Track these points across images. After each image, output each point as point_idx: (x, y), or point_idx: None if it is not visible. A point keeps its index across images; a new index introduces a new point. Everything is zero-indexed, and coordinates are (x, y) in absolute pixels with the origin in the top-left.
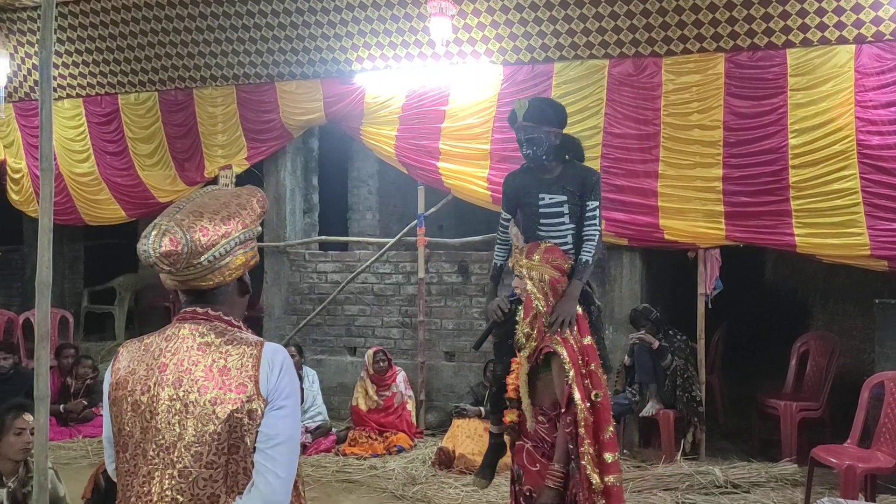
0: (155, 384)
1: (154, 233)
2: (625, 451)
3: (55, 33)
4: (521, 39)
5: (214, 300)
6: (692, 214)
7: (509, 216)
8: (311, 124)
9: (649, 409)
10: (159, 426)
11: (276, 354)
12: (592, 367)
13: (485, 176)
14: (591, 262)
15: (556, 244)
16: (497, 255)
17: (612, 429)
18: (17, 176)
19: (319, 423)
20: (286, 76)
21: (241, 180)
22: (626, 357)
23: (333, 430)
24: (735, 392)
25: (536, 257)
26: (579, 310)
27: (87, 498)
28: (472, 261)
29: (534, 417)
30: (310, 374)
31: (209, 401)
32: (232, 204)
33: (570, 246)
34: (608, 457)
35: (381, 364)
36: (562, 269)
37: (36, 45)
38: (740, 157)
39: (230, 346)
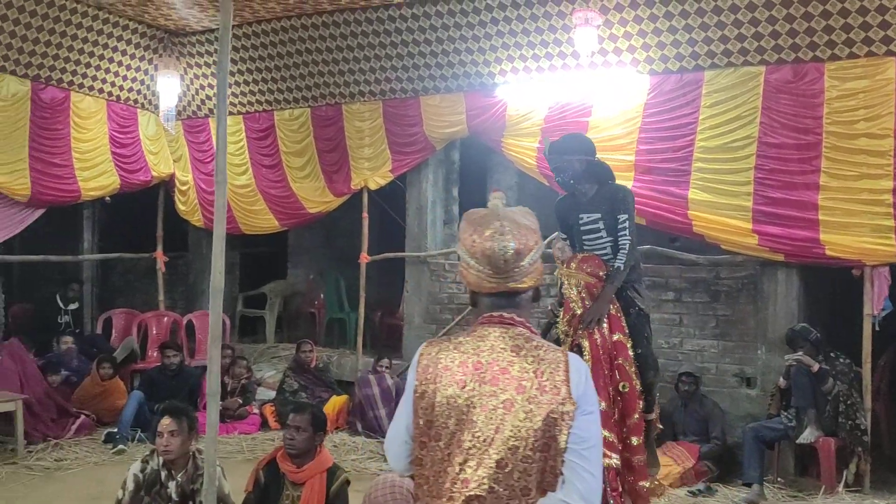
0: (472, 380)
1: (495, 232)
2: (779, 478)
3: (216, 54)
4: (669, 48)
5: (517, 305)
6: (858, 229)
7: (565, 235)
8: (453, 137)
9: (808, 435)
10: (475, 419)
11: (580, 363)
12: (620, 361)
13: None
14: (623, 268)
15: (597, 255)
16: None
17: (637, 416)
18: (184, 188)
19: None
20: (430, 90)
21: (383, 192)
22: (781, 379)
23: None
24: None
25: (573, 266)
26: (612, 310)
27: (249, 492)
28: None
29: None
30: None
31: (526, 399)
32: (528, 216)
33: (610, 255)
34: (634, 440)
35: None
36: (598, 276)
37: (203, 67)
38: None
39: (540, 351)
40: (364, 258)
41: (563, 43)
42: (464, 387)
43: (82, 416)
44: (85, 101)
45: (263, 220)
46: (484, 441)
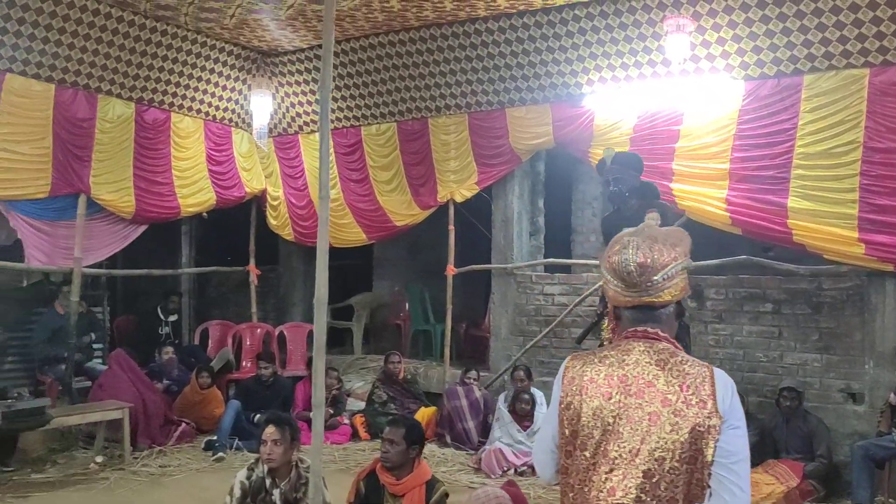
0: (617, 393)
1: (621, 247)
2: (890, 499)
3: (308, 73)
4: (765, 52)
5: (657, 320)
6: None
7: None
8: (539, 148)
9: None
10: (621, 430)
11: (726, 378)
12: None
13: (723, 197)
14: None
15: None
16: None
17: None
18: (275, 203)
19: None
20: (516, 102)
21: (468, 204)
22: (891, 395)
23: None
24: None
25: None
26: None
27: (350, 502)
28: (707, 285)
29: None
30: (538, 396)
31: (672, 412)
32: (673, 235)
33: None
34: None
35: None
36: None
37: (294, 86)
38: None
39: (685, 366)
40: (451, 270)
41: (652, 51)
42: (609, 399)
43: (183, 424)
44: (184, 121)
45: (351, 234)
46: (630, 452)
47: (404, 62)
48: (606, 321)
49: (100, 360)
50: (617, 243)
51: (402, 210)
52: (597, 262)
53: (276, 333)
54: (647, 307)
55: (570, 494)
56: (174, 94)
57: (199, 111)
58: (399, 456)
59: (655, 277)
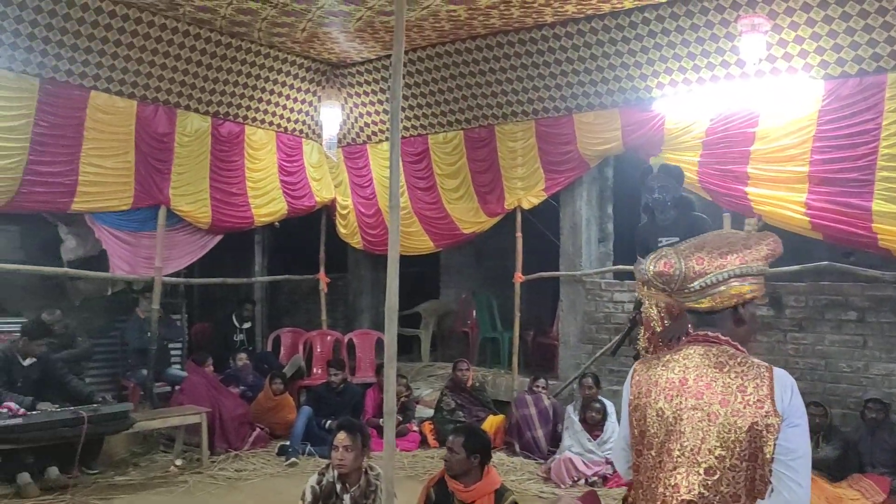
0: (678, 395)
1: (654, 256)
2: None
3: (376, 83)
4: (846, 51)
5: (714, 324)
6: None
7: (642, 258)
8: (607, 154)
9: None
10: (683, 430)
11: (786, 378)
12: None
13: (802, 201)
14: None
15: None
16: (637, 291)
17: None
18: (344, 212)
19: None
20: (584, 107)
21: (535, 211)
22: None
23: None
24: None
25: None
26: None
27: None
28: (786, 292)
29: None
30: (609, 407)
31: (730, 412)
32: (737, 243)
33: None
34: None
35: None
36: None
37: (362, 96)
38: None
39: (744, 368)
40: (519, 278)
41: (726, 51)
42: (671, 400)
43: (258, 429)
44: (257, 133)
45: (419, 242)
46: (691, 451)
47: (471, 70)
48: (642, 330)
49: (179, 366)
50: (653, 252)
51: (469, 217)
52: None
53: (346, 341)
54: (701, 312)
55: (640, 491)
56: (248, 108)
57: (271, 123)
58: (460, 464)
59: (692, 285)
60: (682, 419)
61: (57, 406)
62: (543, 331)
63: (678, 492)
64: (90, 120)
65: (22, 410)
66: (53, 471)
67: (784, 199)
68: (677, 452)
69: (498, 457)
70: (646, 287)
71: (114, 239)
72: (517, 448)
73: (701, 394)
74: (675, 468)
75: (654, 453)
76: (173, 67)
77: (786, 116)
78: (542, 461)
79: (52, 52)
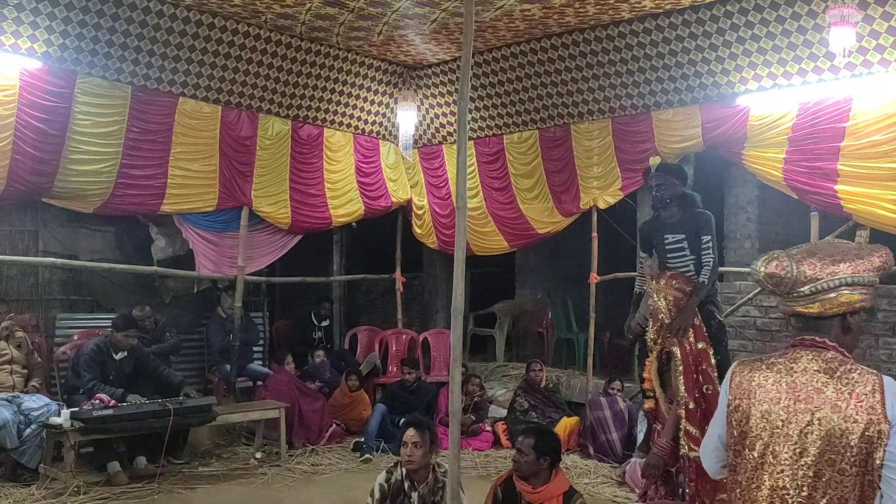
0: (786, 398)
1: (765, 258)
2: None
3: (451, 84)
4: None
5: (821, 329)
6: None
7: (646, 254)
8: (687, 151)
9: None
10: (791, 433)
11: (894, 385)
12: (704, 367)
13: (895, 199)
14: (707, 283)
15: (681, 272)
16: (637, 285)
17: None
18: (420, 212)
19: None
20: (662, 105)
21: (612, 211)
22: None
23: None
24: None
25: (663, 282)
26: (696, 321)
27: None
28: (878, 296)
29: (666, 403)
30: None
31: (842, 418)
32: (850, 252)
33: (693, 272)
34: None
35: None
36: (683, 291)
37: (438, 97)
38: None
39: (854, 374)
40: (594, 278)
41: (814, 44)
42: (778, 403)
43: (334, 425)
44: (335, 135)
45: (493, 242)
46: (800, 454)
47: (546, 69)
48: (650, 323)
49: (260, 362)
50: (769, 254)
51: (544, 217)
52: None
53: (421, 339)
54: (808, 317)
55: (738, 490)
56: (326, 111)
57: (349, 125)
58: (528, 466)
59: (802, 289)
60: (790, 422)
61: (146, 399)
62: (620, 332)
63: (788, 493)
64: (178, 125)
65: (113, 402)
66: (142, 460)
67: (876, 196)
68: (785, 455)
69: (571, 459)
70: (760, 284)
71: (200, 239)
72: (591, 451)
73: (811, 398)
74: (782, 471)
75: (756, 454)
76: (255, 73)
77: (878, 111)
78: (616, 465)
79: (143, 60)
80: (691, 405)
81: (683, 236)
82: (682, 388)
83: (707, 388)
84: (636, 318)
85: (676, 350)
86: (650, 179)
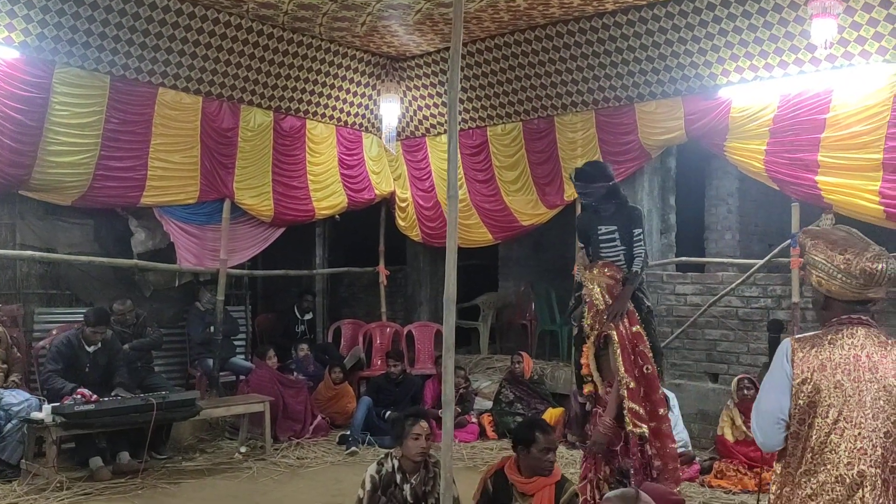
0: (854, 370)
1: (877, 255)
2: None
3: (434, 76)
4: None
5: (866, 310)
6: None
7: (582, 245)
8: (669, 143)
9: None
10: (864, 401)
11: None
12: (640, 348)
13: (876, 189)
14: (639, 272)
15: (612, 261)
16: (577, 274)
17: (661, 392)
18: (403, 204)
19: (682, 450)
20: (646, 97)
21: None
22: None
23: (696, 458)
24: None
25: (595, 271)
26: (630, 307)
27: (477, 500)
28: None
29: (603, 387)
30: (671, 398)
31: None
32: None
33: (623, 262)
34: (661, 411)
35: (747, 392)
36: (615, 279)
37: (421, 89)
38: None
39: None
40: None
41: (795, 36)
42: (849, 374)
43: (318, 418)
44: (318, 127)
45: (478, 234)
46: (872, 418)
47: (530, 61)
48: (586, 309)
49: (242, 356)
50: (866, 250)
51: (529, 209)
52: (730, 259)
53: (405, 332)
54: (863, 301)
55: (808, 455)
56: (309, 102)
57: (331, 117)
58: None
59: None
60: (861, 391)
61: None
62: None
63: (865, 454)
64: (158, 116)
65: (94, 397)
66: (125, 455)
67: (857, 187)
68: (859, 419)
69: (557, 449)
70: (860, 279)
71: (181, 232)
72: (576, 443)
73: (876, 368)
74: (857, 434)
75: (829, 421)
76: (237, 63)
77: (858, 102)
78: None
79: (123, 50)
80: (632, 385)
81: (615, 228)
82: (623, 369)
83: (646, 368)
84: (572, 302)
85: (614, 334)
86: (576, 189)
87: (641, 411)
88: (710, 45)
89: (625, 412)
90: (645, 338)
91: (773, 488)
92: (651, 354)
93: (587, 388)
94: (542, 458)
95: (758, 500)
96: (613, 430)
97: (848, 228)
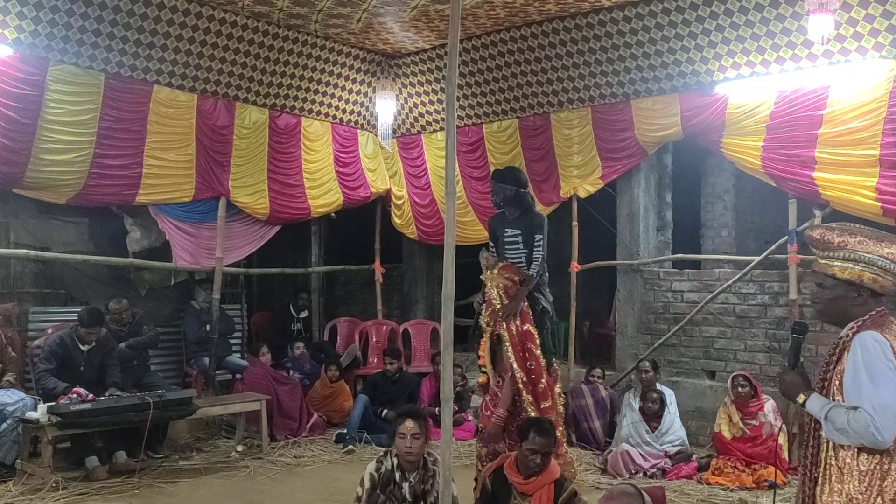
0: None
1: None
2: None
3: (430, 73)
4: None
5: (882, 303)
6: None
7: (493, 244)
8: (666, 140)
9: None
10: None
11: None
12: (529, 346)
13: (873, 185)
14: (535, 275)
15: (513, 263)
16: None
17: (543, 384)
18: (399, 202)
19: (679, 447)
20: (642, 93)
21: (592, 200)
22: None
23: (694, 456)
24: None
25: (495, 272)
26: (524, 306)
27: (477, 498)
28: None
29: (495, 379)
30: (668, 396)
31: None
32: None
33: (524, 264)
34: (543, 404)
35: (741, 390)
36: (513, 280)
37: (416, 86)
38: None
39: None
40: (575, 267)
41: (792, 31)
42: None
43: (315, 416)
44: (313, 125)
45: (473, 232)
46: None
47: (525, 58)
48: (484, 308)
49: (238, 355)
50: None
51: None
52: (727, 256)
53: (401, 330)
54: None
55: None
56: (304, 100)
57: (327, 115)
58: (544, 463)
59: None
60: None
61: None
62: (600, 321)
63: None
64: (153, 114)
65: (91, 396)
66: (121, 455)
67: (853, 183)
68: None
69: None
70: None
71: (176, 230)
72: (573, 439)
73: None
74: None
75: None
76: (232, 61)
77: (855, 98)
78: (598, 452)
79: (117, 47)
80: (525, 378)
81: (519, 232)
82: (516, 364)
83: (530, 364)
84: (476, 301)
85: (505, 333)
86: (490, 185)
87: (533, 401)
88: (706, 41)
89: (524, 403)
90: (535, 336)
91: (862, 485)
92: (539, 352)
93: (482, 378)
94: (527, 457)
95: (774, 497)
96: (506, 420)
97: (859, 226)
